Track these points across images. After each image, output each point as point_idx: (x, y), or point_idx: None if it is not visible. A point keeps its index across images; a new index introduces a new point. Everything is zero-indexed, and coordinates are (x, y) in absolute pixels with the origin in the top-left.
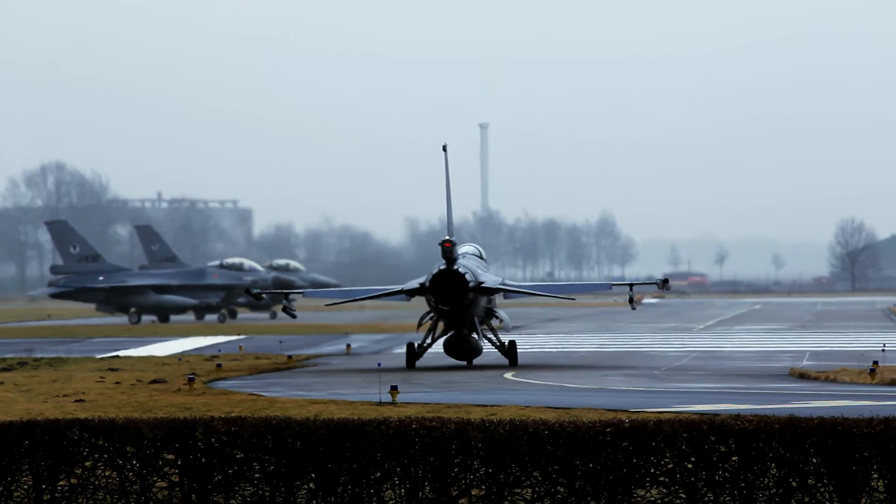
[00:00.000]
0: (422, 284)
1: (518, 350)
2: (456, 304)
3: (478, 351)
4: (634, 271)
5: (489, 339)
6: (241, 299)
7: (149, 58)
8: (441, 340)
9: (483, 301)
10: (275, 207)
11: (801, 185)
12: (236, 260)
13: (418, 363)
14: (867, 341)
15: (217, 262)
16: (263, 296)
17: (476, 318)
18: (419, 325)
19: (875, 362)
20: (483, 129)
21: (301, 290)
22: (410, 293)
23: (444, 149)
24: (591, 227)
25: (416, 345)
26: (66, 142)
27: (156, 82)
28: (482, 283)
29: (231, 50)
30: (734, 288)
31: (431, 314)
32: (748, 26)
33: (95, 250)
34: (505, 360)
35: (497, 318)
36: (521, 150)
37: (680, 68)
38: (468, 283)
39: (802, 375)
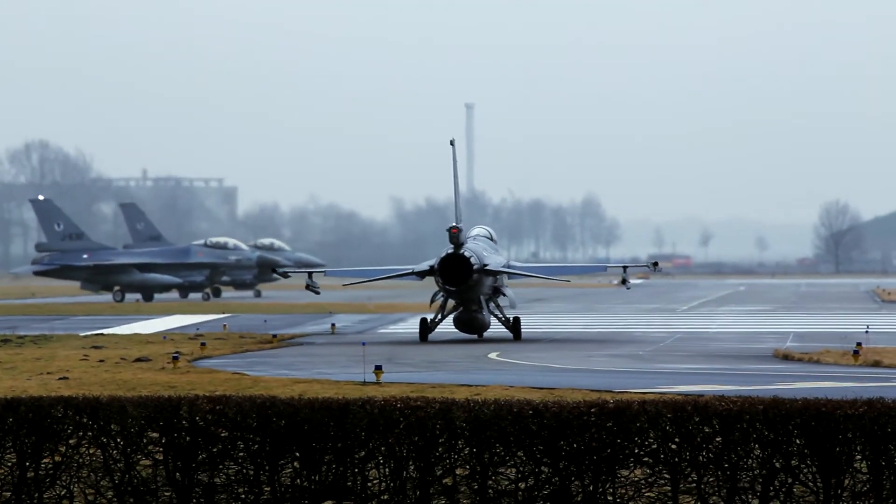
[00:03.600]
0: (431, 266)
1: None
2: (462, 285)
3: (485, 326)
4: (619, 252)
5: (495, 316)
6: (225, 277)
7: (133, 37)
8: (451, 316)
9: (489, 281)
10: (260, 186)
11: (785, 167)
12: (221, 239)
13: (430, 337)
14: (851, 323)
15: (202, 241)
16: (290, 274)
17: (482, 297)
18: (431, 302)
19: (859, 343)
20: (469, 109)
21: (323, 270)
22: (421, 274)
23: (452, 143)
24: (576, 208)
25: (428, 320)
26: (50, 119)
27: (140, 61)
28: (486, 265)
29: (215, 30)
30: (718, 269)
31: (441, 293)
32: (736, 17)
33: (80, 228)
34: (510, 335)
35: (504, 295)
36: (506, 130)
37: (667, 53)
38: (473, 266)
39: (786, 357)
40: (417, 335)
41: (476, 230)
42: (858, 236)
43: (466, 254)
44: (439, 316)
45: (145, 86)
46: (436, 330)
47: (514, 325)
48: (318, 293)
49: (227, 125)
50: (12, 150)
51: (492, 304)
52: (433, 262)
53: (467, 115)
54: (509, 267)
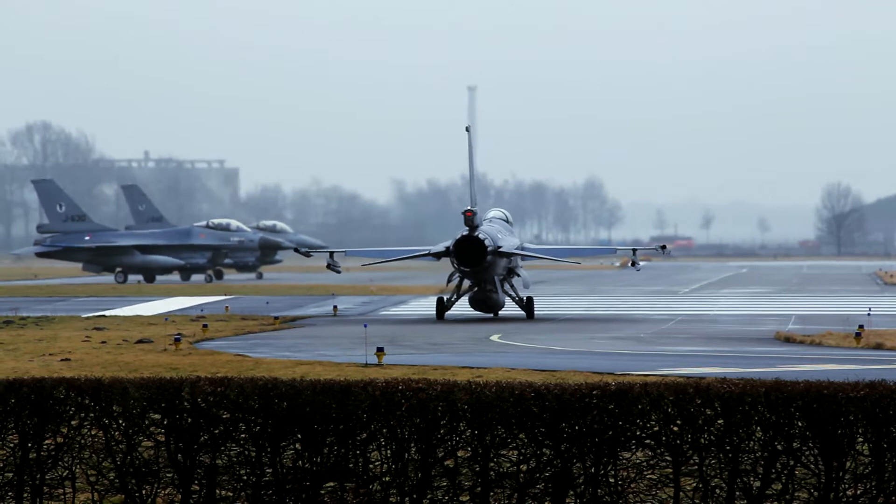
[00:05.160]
0: (447, 248)
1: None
2: (476, 266)
3: (499, 305)
4: (621, 234)
5: (509, 296)
6: (227, 259)
7: (134, 18)
8: (467, 296)
9: (503, 262)
10: (262, 168)
11: (787, 150)
12: (223, 220)
13: (447, 315)
14: (853, 305)
15: (203, 223)
16: (311, 254)
17: (497, 277)
18: (448, 282)
19: (861, 326)
20: (471, 91)
21: (344, 250)
22: (437, 255)
23: (468, 129)
24: (579, 190)
25: (444, 299)
26: (52, 101)
27: (142, 44)
28: (500, 247)
29: (216, 13)
30: (720, 251)
31: (457, 274)
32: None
33: (81, 210)
34: (523, 314)
35: (518, 276)
36: (509, 113)
37: (669, 36)
38: (487, 247)
39: (788, 339)
40: (427, 315)
41: (492, 212)
42: (861, 218)
43: (481, 236)
44: (455, 296)
45: (147, 68)
46: (451, 309)
47: (527, 305)
48: (339, 272)
49: (228, 107)
50: (14, 131)
51: (506, 285)
52: (449, 243)
53: (469, 98)
54: (522, 249)
